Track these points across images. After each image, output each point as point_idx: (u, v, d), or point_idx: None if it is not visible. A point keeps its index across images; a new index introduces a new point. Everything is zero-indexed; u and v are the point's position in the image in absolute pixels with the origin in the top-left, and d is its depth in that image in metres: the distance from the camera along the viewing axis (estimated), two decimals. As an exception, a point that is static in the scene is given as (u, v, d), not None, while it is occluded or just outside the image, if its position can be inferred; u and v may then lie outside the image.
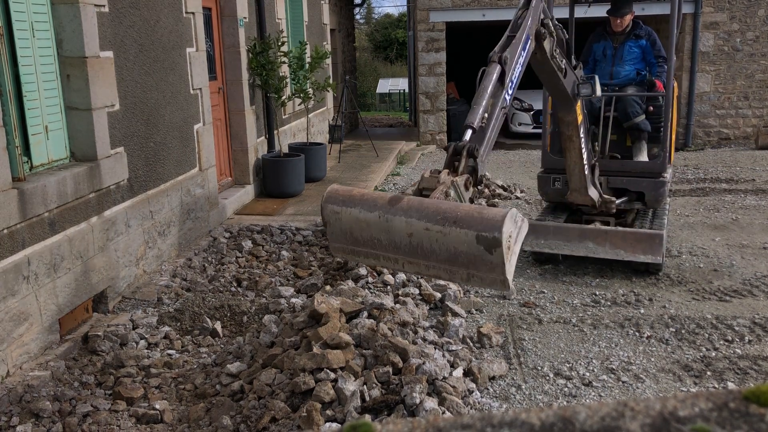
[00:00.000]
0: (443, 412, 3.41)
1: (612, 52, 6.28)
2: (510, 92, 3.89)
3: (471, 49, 18.68)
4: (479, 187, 4.06)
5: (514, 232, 3.00)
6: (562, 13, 13.03)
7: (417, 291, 5.12)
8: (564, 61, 4.62)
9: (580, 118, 5.00)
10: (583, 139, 5.15)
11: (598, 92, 4.84)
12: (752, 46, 12.81)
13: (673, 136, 6.44)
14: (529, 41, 4.08)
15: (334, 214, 3.37)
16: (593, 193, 5.62)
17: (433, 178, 3.43)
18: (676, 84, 6.55)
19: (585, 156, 5.28)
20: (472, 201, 3.47)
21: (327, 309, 4.18)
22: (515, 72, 3.90)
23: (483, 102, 3.64)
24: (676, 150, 11.83)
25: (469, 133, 3.59)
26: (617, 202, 5.92)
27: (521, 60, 3.98)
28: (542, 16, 4.26)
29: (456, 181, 3.37)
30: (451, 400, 3.52)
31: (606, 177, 5.97)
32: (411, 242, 3.13)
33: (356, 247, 3.37)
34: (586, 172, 5.39)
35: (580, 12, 7.24)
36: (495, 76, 3.76)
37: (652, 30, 6.28)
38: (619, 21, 6.18)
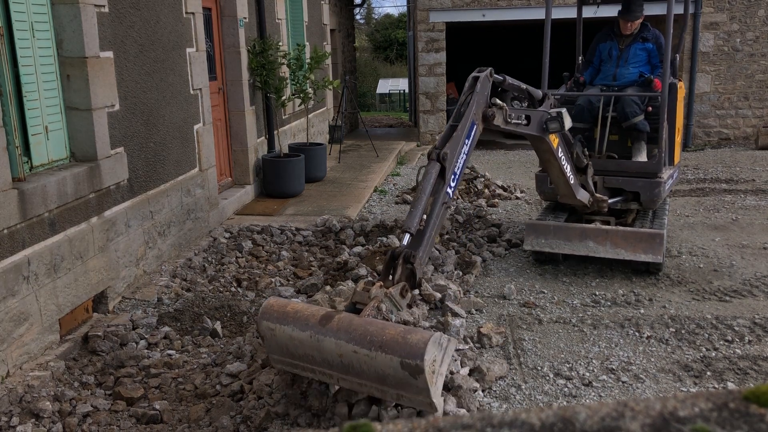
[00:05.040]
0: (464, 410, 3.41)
1: (617, 54, 6.26)
2: (453, 185, 3.94)
3: (471, 49, 18.69)
4: (421, 287, 4.11)
5: (439, 355, 3.06)
6: (567, 13, 13.10)
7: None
8: (523, 114, 4.62)
9: (555, 142, 5.02)
10: (562, 159, 5.19)
11: (567, 125, 4.88)
12: (752, 46, 12.82)
13: (679, 137, 6.42)
14: (475, 127, 4.13)
15: (269, 330, 3.44)
16: (582, 195, 5.66)
17: (365, 292, 3.48)
18: (682, 84, 6.52)
19: (568, 169, 5.33)
20: (410, 306, 3.64)
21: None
22: (458, 164, 3.97)
23: (422, 204, 3.68)
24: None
25: (407, 238, 3.65)
26: (610, 201, 5.93)
27: (465, 149, 4.06)
28: (489, 96, 4.28)
29: (390, 292, 3.45)
30: (468, 399, 3.55)
31: (602, 177, 5.98)
32: (342, 362, 3.21)
33: (293, 360, 3.44)
34: (572, 182, 5.44)
35: (589, 12, 7.23)
36: (434, 175, 3.82)
37: (660, 33, 6.23)
38: (629, 24, 6.15)
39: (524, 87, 4.79)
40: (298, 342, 3.34)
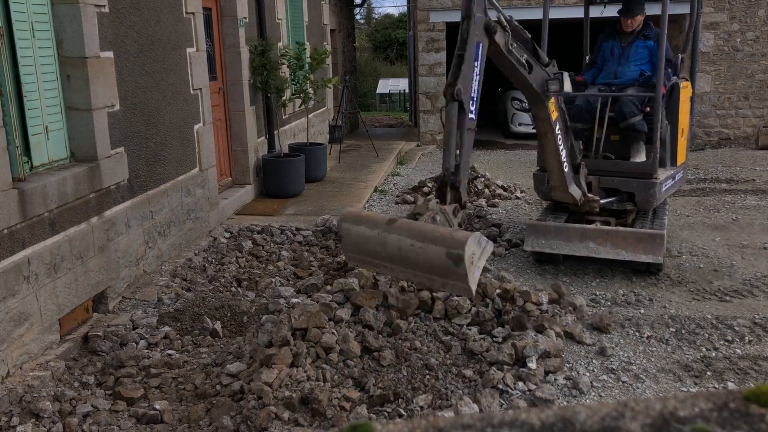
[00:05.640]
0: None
1: (619, 52, 6.27)
2: (473, 109, 4.20)
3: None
4: (467, 208, 4.49)
5: (477, 251, 3.67)
6: (567, 13, 13.10)
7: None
8: (525, 56, 4.68)
9: (554, 115, 5.05)
10: (559, 137, 5.20)
11: (567, 88, 4.92)
12: (752, 46, 12.81)
13: (683, 137, 6.37)
14: (481, 46, 4.23)
15: (346, 230, 4.12)
16: (575, 191, 5.64)
17: (425, 206, 4.09)
18: (687, 84, 6.50)
19: (564, 153, 5.32)
20: (461, 225, 4.20)
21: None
22: (474, 88, 4.19)
23: (452, 143, 4.14)
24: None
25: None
26: (603, 201, 5.92)
27: (476, 72, 4.20)
28: (493, 19, 4.33)
29: (444, 209, 4.03)
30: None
31: (597, 177, 5.98)
32: (401, 255, 3.85)
33: (363, 256, 4.11)
34: (566, 170, 5.42)
35: (596, 12, 7.22)
36: (455, 114, 4.11)
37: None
38: (629, 21, 6.16)
39: (530, 37, 4.80)
40: (368, 239, 4.00)
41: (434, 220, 3.98)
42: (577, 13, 13.03)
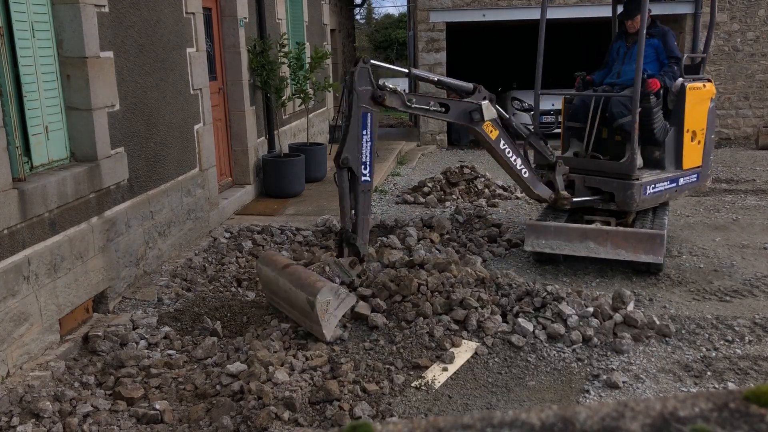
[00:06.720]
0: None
1: (624, 51, 6.29)
2: (366, 172, 4.60)
3: (471, 49, 18.67)
4: (366, 261, 4.89)
5: (334, 301, 4.16)
6: (567, 13, 13.04)
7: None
8: (433, 103, 5.00)
9: (494, 134, 5.31)
10: (507, 150, 5.47)
11: (488, 117, 5.12)
12: (752, 46, 12.82)
13: (689, 138, 6.31)
14: (369, 116, 4.61)
15: (258, 269, 4.89)
16: (541, 190, 5.83)
17: (318, 256, 4.76)
18: (704, 84, 6.42)
19: (518, 162, 5.57)
20: (359, 276, 4.68)
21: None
22: (365, 154, 4.58)
23: (346, 205, 4.58)
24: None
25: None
26: (576, 200, 5.99)
27: (366, 140, 4.60)
28: (385, 86, 4.73)
29: (339, 261, 4.57)
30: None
31: (583, 176, 6.01)
32: (287, 296, 4.45)
33: (269, 294, 4.80)
34: (526, 175, 5.65)
35: (595, 12, 7.23)
36: (345, 178, 4.55)
37: (668, 30, 6.22)
38: (630, 23, 6.19)
39: (437, 79, 5.25)
40: (269, 279, 4.68)
41: (323, 270, 4.53)
42: (577, 13, 13.04)
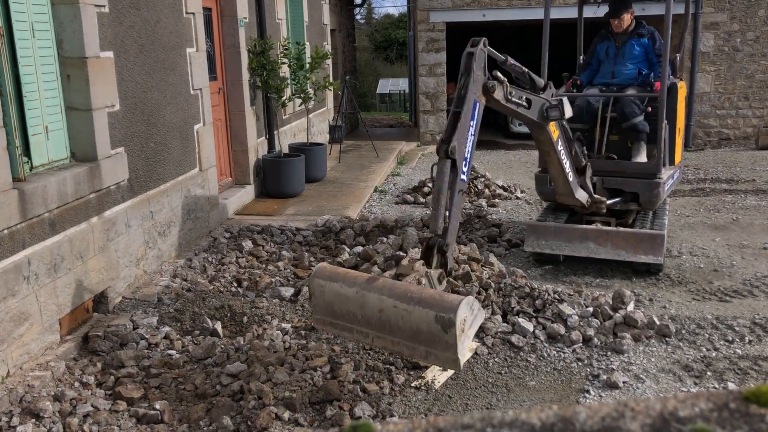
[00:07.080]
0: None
1: (614, 52, 6.30)
2: (465, 171, 4.02)
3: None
4: (452, 275, 4.37)
5: (470, 317, 3.37)
6: (567, 13, 13.06)
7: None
8: (524, 96, 4.58)
9: (555, 134, 5.00)
10: (562, 152, 5.17)
11: (567, 114, 4.82)
12: (752, 46, 12.81)
13: (680, 137, 6.39)
14: (477, 105, 4.11)
15: (319, 287, 3.77)
16: (581, 195, 5.64)
17: (410, 266, 3.86)
18: (683, 83, 6.51)
19: (567, 164, 5.30)
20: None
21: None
22: (468, 149, 4.03)
23: (442, 203, 3.81)
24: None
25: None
26: (608, 202, 5.92)
27: (471, 132, 4.05)
28: (488, 67, 4.21)
29: (430, 273, 3.79)
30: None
31: (601, 177, 5.97)
32: (381, 317, 3.50)
33: (335, 319, 3.74)
34: (570, 179, 5.41)
35: (589, 12, 7.24)
36: (447, 171, 3.89)
37: (654, 29, 6.27)
38: (617, 22, 6.20)
39: (525, 70, 4.71)
40: (345, 298, 3.63)
41: (419, 282, 3.67)
42: (577, 13, 13.02)
